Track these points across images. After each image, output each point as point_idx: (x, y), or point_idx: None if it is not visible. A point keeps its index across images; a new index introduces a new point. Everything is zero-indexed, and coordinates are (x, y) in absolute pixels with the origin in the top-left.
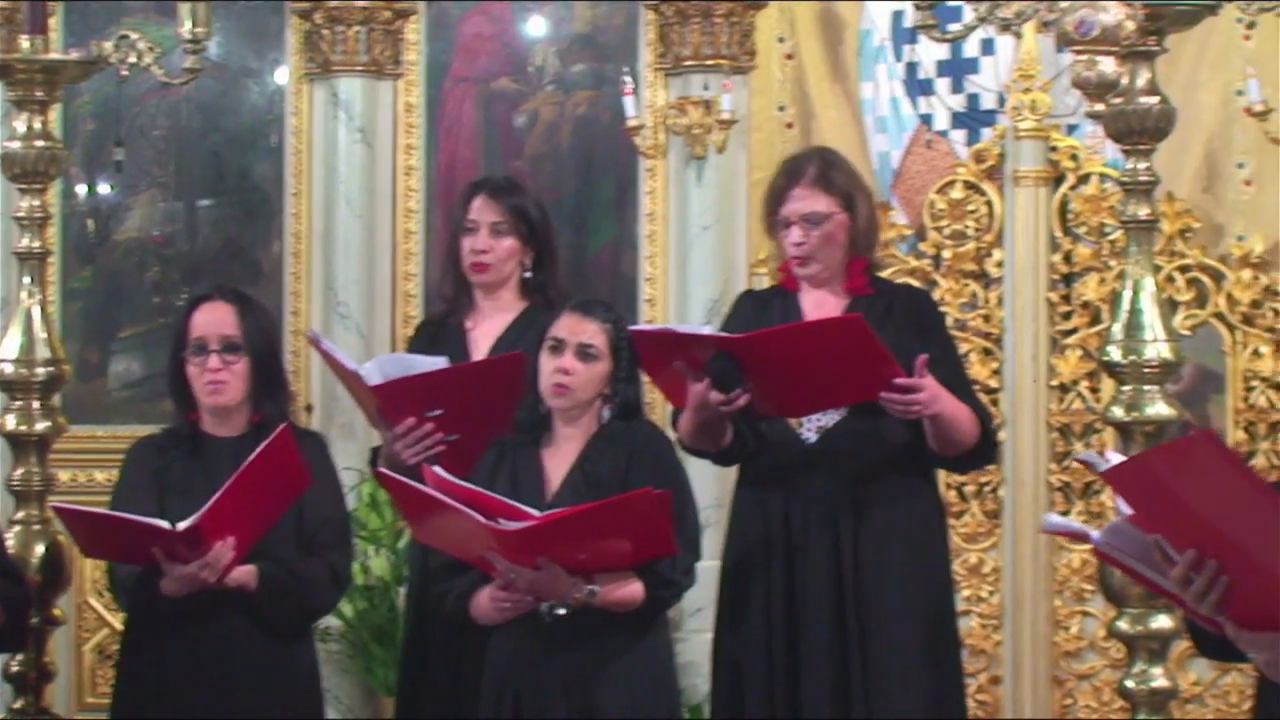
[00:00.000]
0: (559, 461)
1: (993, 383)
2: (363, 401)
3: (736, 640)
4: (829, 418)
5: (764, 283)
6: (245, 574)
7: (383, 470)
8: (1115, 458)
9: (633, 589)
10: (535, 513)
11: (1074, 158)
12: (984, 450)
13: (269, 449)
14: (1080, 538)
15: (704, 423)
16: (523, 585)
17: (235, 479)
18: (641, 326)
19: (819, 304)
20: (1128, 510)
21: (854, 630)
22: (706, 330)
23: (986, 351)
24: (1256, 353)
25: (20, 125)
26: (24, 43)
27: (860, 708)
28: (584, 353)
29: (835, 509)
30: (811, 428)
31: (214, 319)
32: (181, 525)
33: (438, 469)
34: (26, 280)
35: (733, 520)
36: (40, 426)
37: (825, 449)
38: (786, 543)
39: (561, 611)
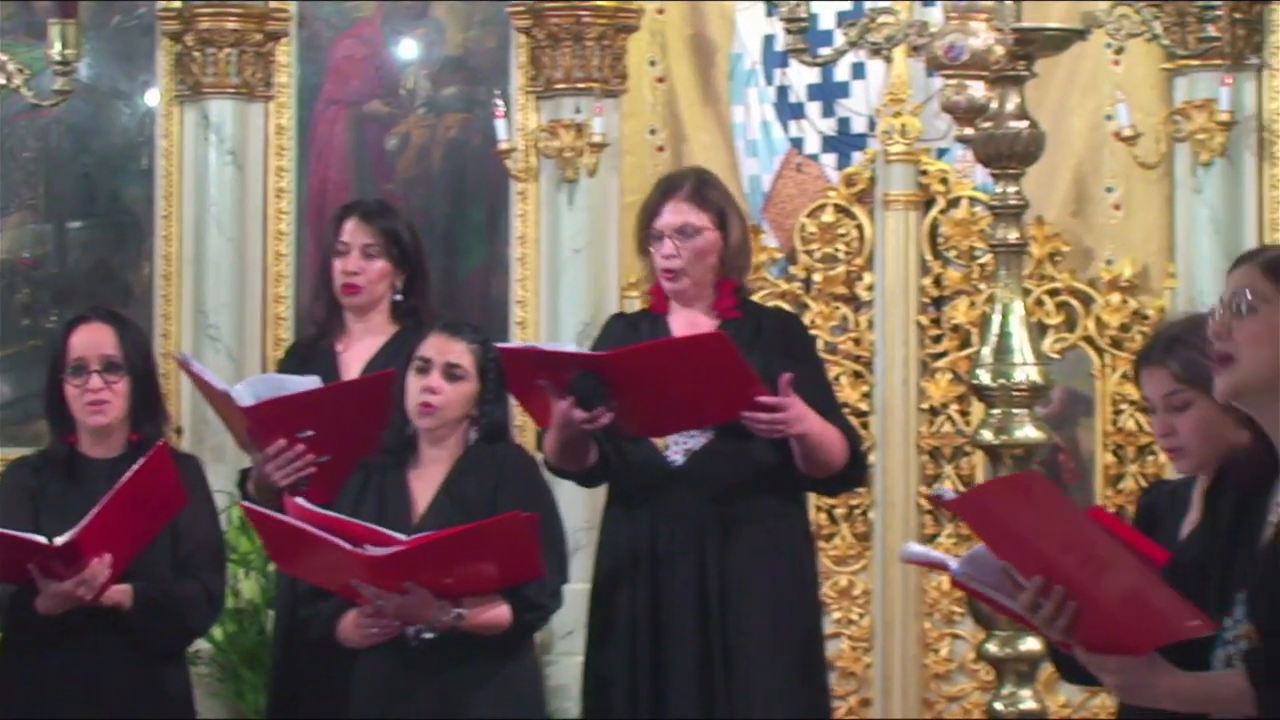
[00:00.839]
0: (425, 484)
1: (863, 406)
2: (232, 423)
3: (603, 661)
4: (696, 440)
5: (635, 306)
6: (121, 593)
7: (246, 504)
8: (948, 494)
9: (499, 612)
10: (401, 537)
11: (944, 181)
12: (852, 473)
13: (147, 465)
14: (939, 567)
15: (567, 442)
16: (390, 610)
17: (113, 495)
18: (507, 344)
19: (688, 325)
20: None
21: (719, 653)
22: (571, 348)
23: (857, 374)
24: (1125, 376)
25: None
26: None
27: None
28: (451, 373)
29: (701, 530)
30: (679, 450)
31: (93, 339)
32: (59, 540)
33: (299, 499)
34: None
35: (601, 540)
36: None
37: (692, 471)
38: (652, 563)
39: (428, 636)
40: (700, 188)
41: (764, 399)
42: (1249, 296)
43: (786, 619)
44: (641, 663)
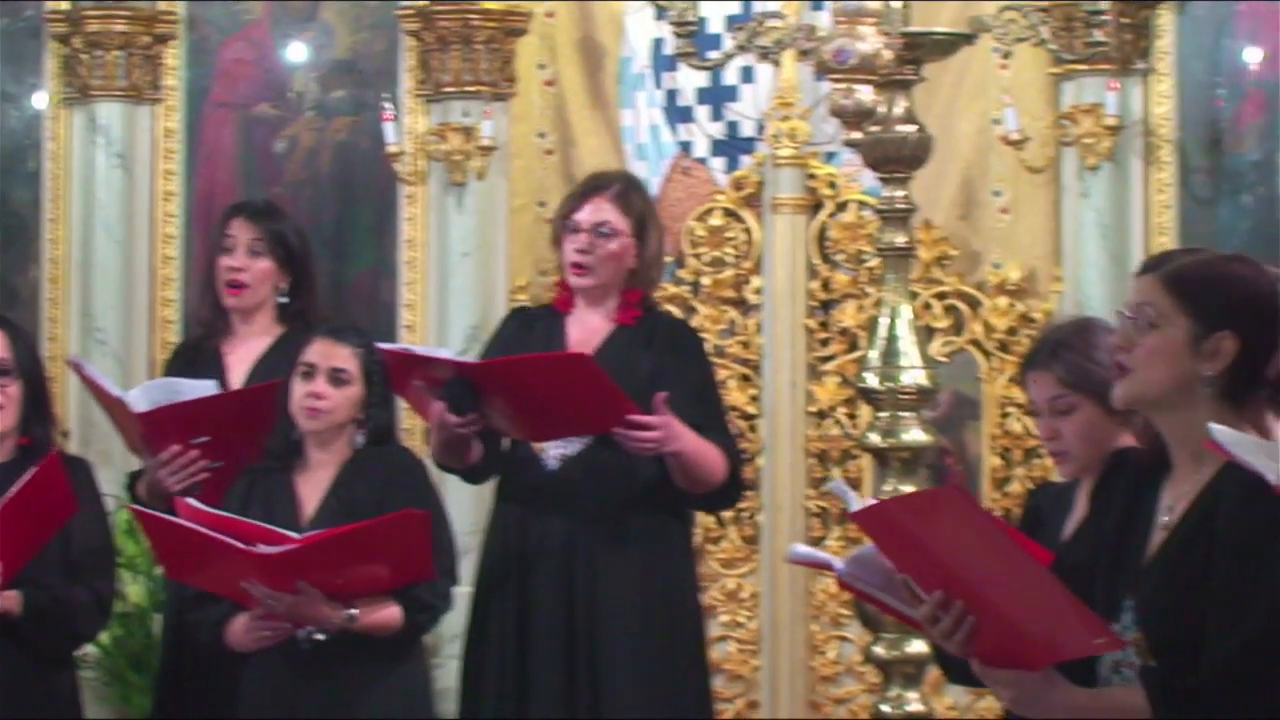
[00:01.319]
0: (312, 488)
1: (751, 409)
2: (124, 428)
3: (474, 665)
4: (572, 446)
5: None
6: (9, 599)
7: (135, 507)
8: (855, 500)
9: (391, 613)
10: (294, 535)
11: (832, 185)
12: (730, 490)
13: (37, 476)
14: (825, 567)
15: (446, 441)
16: (281, 611)
17: (3, 505)
18: (386, 345)
19: (584, 328)
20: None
21: (582, 662)
22: (443, 353)
23: (745, 378)
24: (1012, 380)
25: None
26: None
27: None
28: (336, 378)
29: (570, 539)
30: (555, 455)
31: None
32: None
33: (190, 500)
34: None
35: (485, 540)
36: None
37: (566, 477)
38: (523, 566)
39: (320, 637)
40: (626, 192)
41: (635, 417)
42: (1150, 312)
43: (654, 631)
44: (508, 671)
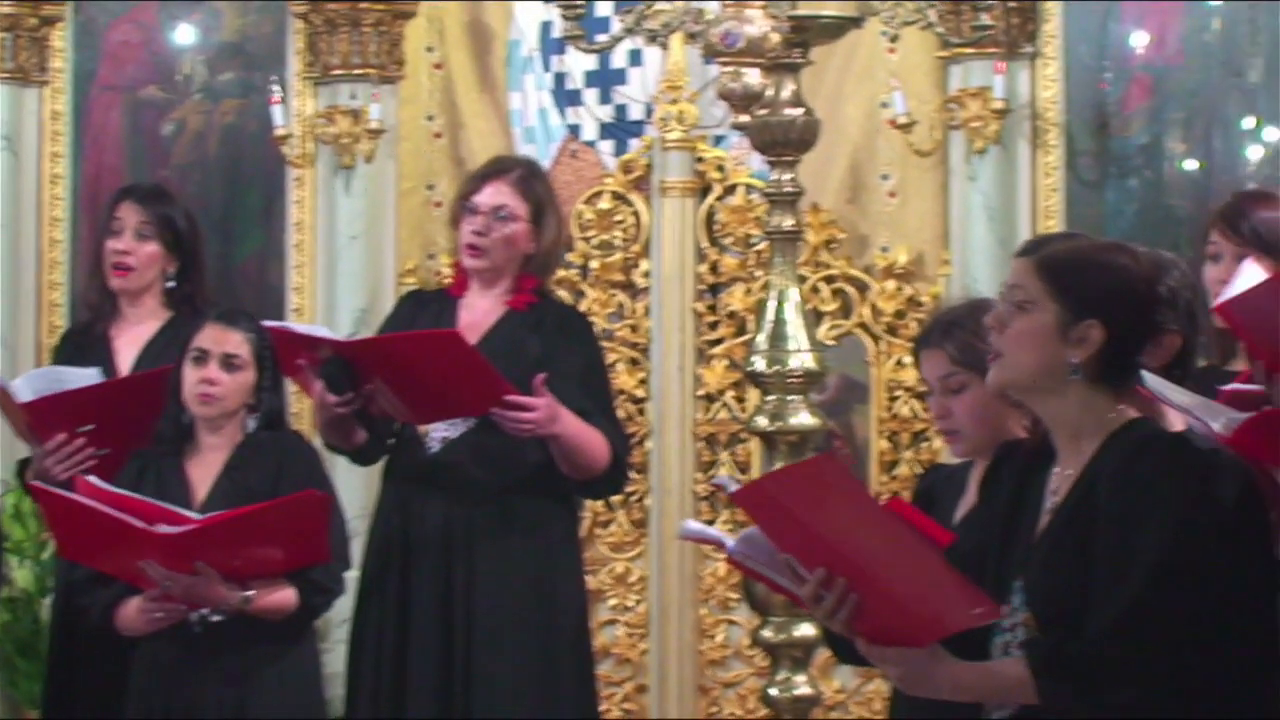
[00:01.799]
0: (204, 472)
1: (639, 392)
2: (10, 416)
3: (357, 650)
4: (455, 429)
5: (427, 287)
6: None
7: (35, 483)
8: (730, 483)
9: (286, 595)
10: (194, 516)
11: (720, 169)
12: (613, 477)
13: None
14: (716, 544)
15: (328, 421)
16: (178, 592)
17: None
18: (268, 323)
19: (475, 310)
20: None
21: (460, 660)
22: (321, 332)
23: (633, 361)
24: (900, 363)
25: None
26: None
27: None
28: (228, 363)
29: (449, 524)
30: (437, 437)
31: None
32: None
33: (91, 478)
34: None
35: (372, 521)
36: None
37: (447, 460)
38: (404, 552)
39: (215, 619)
40: (528, 178)
41: (512, 398)
42: (1021, 295)
43: (533, 617)
44: (387, 655)
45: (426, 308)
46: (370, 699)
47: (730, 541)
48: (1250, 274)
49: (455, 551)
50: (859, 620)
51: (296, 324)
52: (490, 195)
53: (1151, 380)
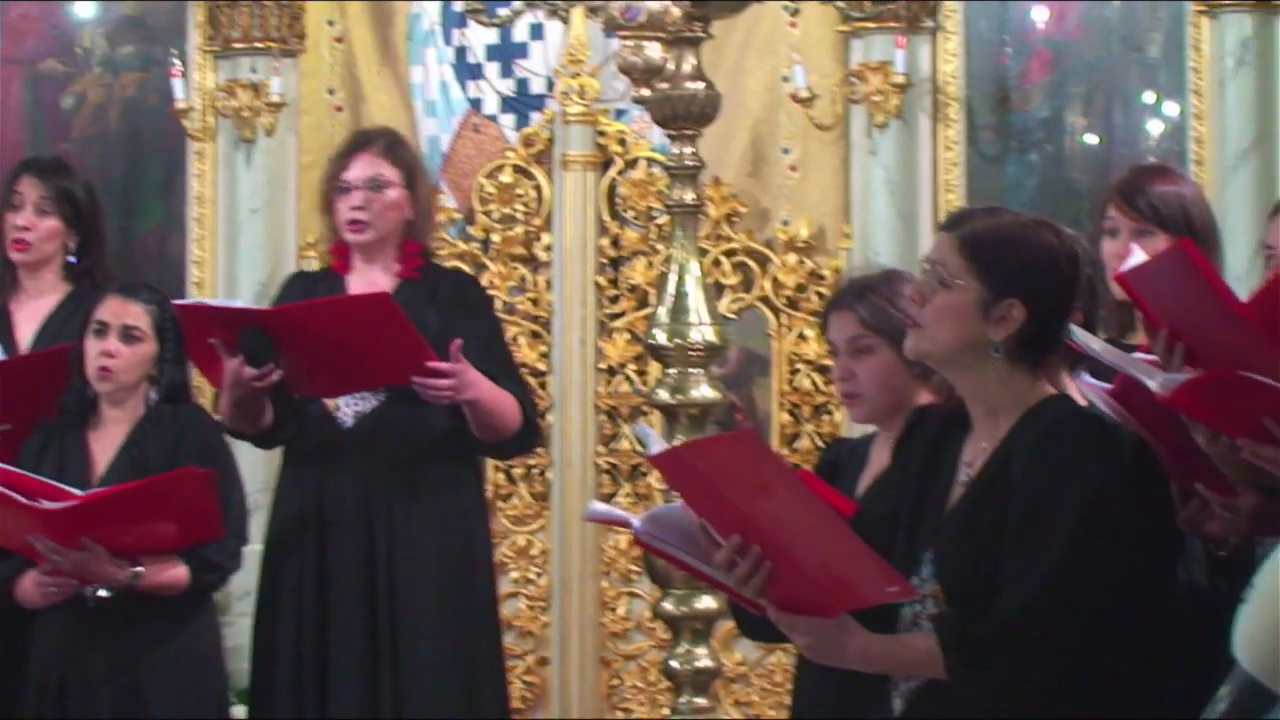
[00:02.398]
0: (106, 444)
1: (541, 366)
2: None
3: (271, 624)
4: (367, 402)
5: (314, 266)
6: None
7: None
8: (655, 443)
9: (177, 572)
10: (78, 492)
11: (622, 143)
12: (526, 437)
13: None
14: (622, 525)
15: (240, 401)
16: (66, 567)
17: None
18: (181, 301)
19: (367, 284)
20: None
21: (385, 622)
22: (239, 304)
23: (535, 335)
24: (801, 336)
25: None
26: None
27: (389, 706)
28: (128, 335)
29: (369, 494)
30: (349, 412)
31: None
32: None
33: None
34: None
35: (274, 501)
36: None
37: (362, 433)
38: (320, 525)
39: (105, 594)
40: (393, 145)
41: (433, 364)
42: (943, 271)
43: (455, 590)
44: (307, 629)
45: (316, 288)
46: (292, 667)
47: (637, 522)
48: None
49: (376, 520)
50: (770, 588)
51: (211, 299)
52: (361, 168)
53: (1080, 335)
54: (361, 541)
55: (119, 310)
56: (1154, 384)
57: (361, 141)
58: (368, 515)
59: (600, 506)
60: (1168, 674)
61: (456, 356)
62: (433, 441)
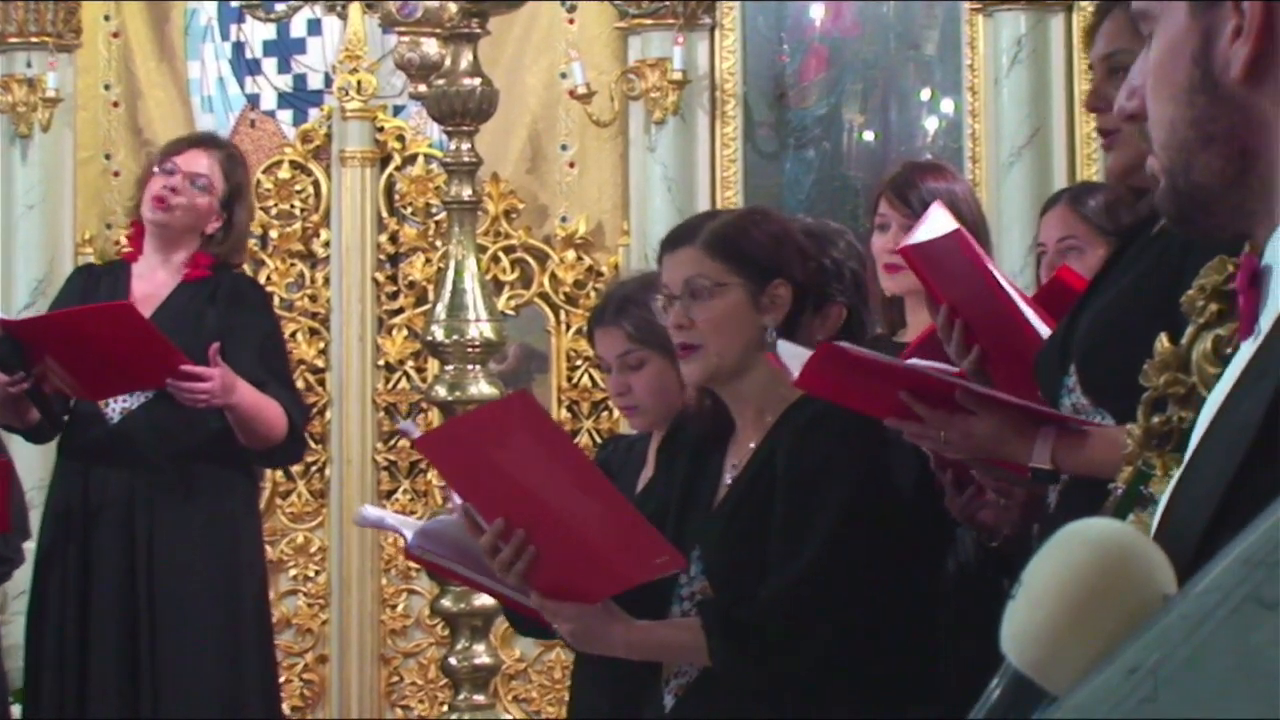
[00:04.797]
0: None
1: (319, 362)
2: None
3: (39, 619)
4: (134, 399)
5: (93, 262)
6: None
7: None
8: (413, 429)
9: None
10: None
11: (400, 139)
12: (291, 446)
13: None
14: (395, 532)
15: (1, 402)
16: None
17: None
18: None
19: (150, 282)
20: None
21: (145, 622)
22: None
23: (313, 331)
24: (580, 333)
25: None
26: None
27: (148, 707)
28: None
29: (133, 492)
30: (116, 409)
31: None
32: None
33: None
34: None
35: (47, 496)
36: None
37: (128, 432)
38: (85, 523)
39: None
40: (233, 160)
41: (187, 368)
42: (704, 283)
43: (217, 584)
44: (70, 628)
45: (99, 281)
46: (54, 668)
47: (409, 534)
48: (937, 219)
49: (138, 520)
50: (535, 574)
51: None
52: (191, 160)
53: (782, 345)
54: (123, 540)
55: None
56: (795, 372)
57: (208, 139)
58: (130, 513)
59: (372, 513)
60: (936, 666)
61: (214, 360)
62: (201, 442)
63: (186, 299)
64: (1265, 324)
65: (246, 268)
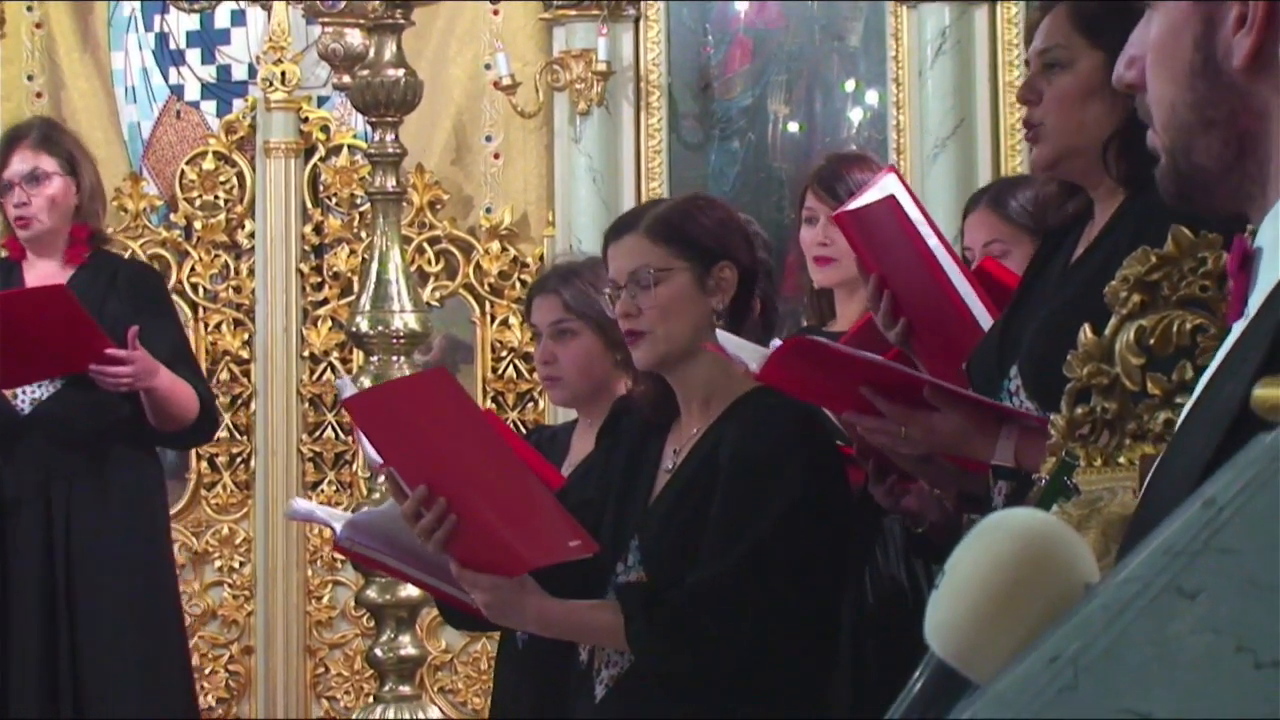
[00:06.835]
0: None
1: (244, 354)
2: None
3: None
4: (44, 389)
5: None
6: None
7: None
8: (350, 390)
9: None
10: None
11: (325, 130)
12: (204, 425)
13: None
14: (325, 524)
15: None
16: None
17: None
18: None
19: (42, 275)
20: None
21: (64, 616)
22: None
23: (238, 323)
24: (505, 323)
25: None
26: None
27: (68, 703)
28: None
29: (48, 480)
30: (26, 399)
31: None
32: None
33: None
34: None
35: None
36: None
37: (40, 420)
38: (0, 512)
39: None
40: (48, 134)
41: (110, 352)
42: (650, 271)
43: (135, 565)
44: None
45: None
46: None
47: (339, 527)
48: (885, 185)
49: (54, 507)
50: (454, 544)
51: None
52: (18, 163)
53: (721, 336)
54: (39, 529)
55: None
56: (754, 365)
57: (15, 136)
58: (46, 502)
59: (302, 506)
60: (860, 663)
61: (134, 344)
62: (112, 427)
63: (85, 287)
64: (1254, 305)
65: (169, 255)
